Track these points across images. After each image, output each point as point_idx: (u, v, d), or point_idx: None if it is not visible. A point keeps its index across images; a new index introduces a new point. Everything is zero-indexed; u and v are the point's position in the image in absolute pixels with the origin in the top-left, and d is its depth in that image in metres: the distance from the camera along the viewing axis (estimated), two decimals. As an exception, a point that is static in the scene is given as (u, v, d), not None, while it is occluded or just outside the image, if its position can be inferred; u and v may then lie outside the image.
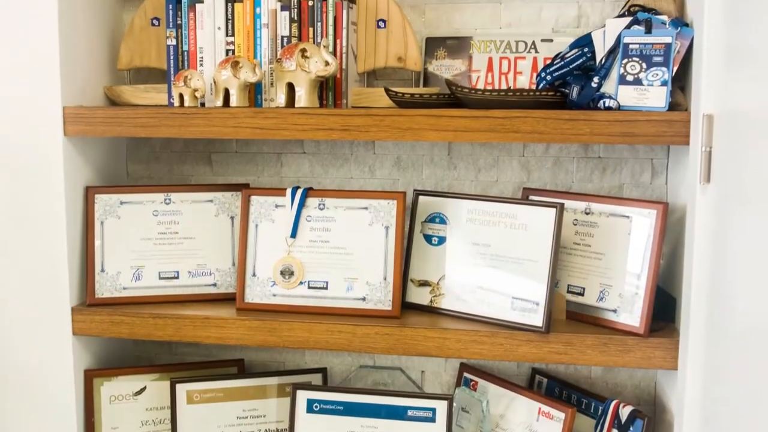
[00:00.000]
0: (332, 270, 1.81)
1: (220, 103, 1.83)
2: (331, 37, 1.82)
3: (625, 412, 1.71)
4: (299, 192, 1.83)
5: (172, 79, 1.89)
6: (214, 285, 1.92)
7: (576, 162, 1.95)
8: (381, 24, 1.88)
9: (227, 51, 1.88)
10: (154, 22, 1.98)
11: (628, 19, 1.67)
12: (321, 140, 2.03)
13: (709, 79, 1.48)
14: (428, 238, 1.83)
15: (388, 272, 1.79)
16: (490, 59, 1.90)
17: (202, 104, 1.88)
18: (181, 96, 1.85)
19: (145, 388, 1.97)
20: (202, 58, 1.89)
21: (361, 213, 1.81)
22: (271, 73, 1.86)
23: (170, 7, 1.89)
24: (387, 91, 1.73)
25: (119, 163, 2.11)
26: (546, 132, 1.62)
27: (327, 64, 1.74)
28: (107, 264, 1.90)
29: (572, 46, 1.76)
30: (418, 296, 1.83)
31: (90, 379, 1.93)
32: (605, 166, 1.94)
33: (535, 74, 1.87)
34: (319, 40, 1.82)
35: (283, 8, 1.84)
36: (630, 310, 1.67)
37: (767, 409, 1.15)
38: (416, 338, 1.72)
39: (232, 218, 1.94)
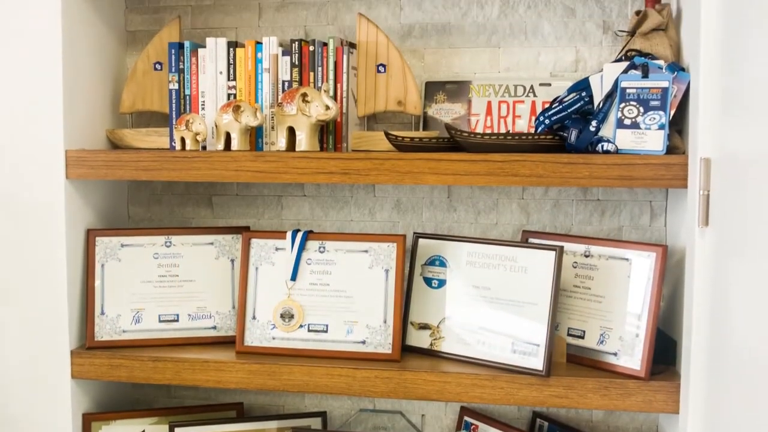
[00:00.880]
0: (332, 313, 1.81)
1: (221, 146, 1.85)
2: (331, 82, 1.84)
3: (627, 456, 1.69)
4: (299, 235, 1.84)
5: (174, 122, 1.91)
6: (214, 328, 1.92)
7: (575, 204, 1.96)
8: (381, 68, 1.90)
9: (229, 95, 1.90)
10: (157, 66, 2.00)
11: (625, 64, 1.69)
12: (321, 183, 2.04)
13: (706, 123, 1.49)
14: (428, 281, 1.83)
15: (388, 315, 1.78)
16: (489, 103, 1.92)
17: (204, 148, 1.90)
18: (182, 139, 1.86)
19: (143, 432, 1.97)
20: (203, 102, 1.91)
21: (361, 256, 1.81)
22: (272, 117, 1.87)
23: (173, 51, 1.92)
24: (387, 134, 1.74)
25: (120, 205, 2.11)
26: (545, 175, 1.63)
27: (327, 108, 1.76)
28: (107, 307, 1.90)
29: (570, 90, 1.77)
30: (419, 339, 1.82)
31: (88, 422, 1.92)
32: (604, 208, 1.95)
33: (533, 118, 1.88)
34: (319, 85, 1.84)
35: (284, 53, 1.86)
36: (630, 353, 1.67)
37: (769, 454, 1.14)
38: (416, 382, 1.71)
39: (232, 261, 1.94)
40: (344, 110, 1.86)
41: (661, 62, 1.67)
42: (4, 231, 1.86)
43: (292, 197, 2.07)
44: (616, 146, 1.65)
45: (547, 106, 1.80)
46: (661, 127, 1.63)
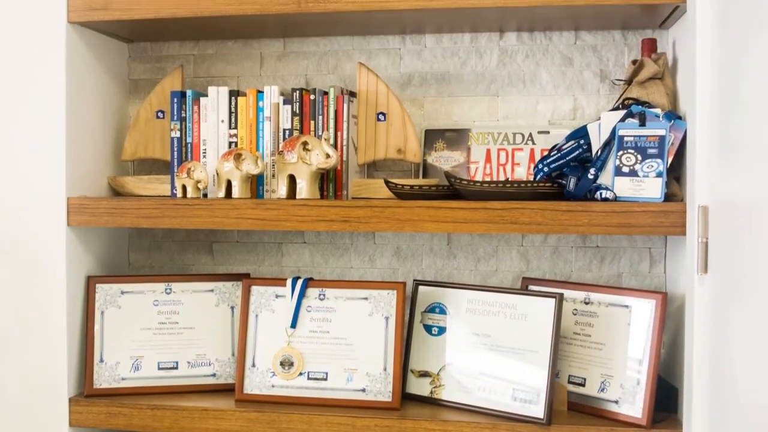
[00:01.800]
0: (332, 361, 1.81)
1: (222, 194, 1.86)
2: (332, 130, 1.86)
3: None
4: (299, 282, 1.84)
5: (176, 170, 1.92)
6: (214, 375, 1.91)
7: (575, 251, 1.96)
8: (381, 117, 1.92)
9: (230, 143, 1.91)
10: (159, 114, 2.02)
11: (622, 112, 1.71)
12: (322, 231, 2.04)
13: (703, 171, 1.50)
14: (428, 329, 1.83)
15: (388, 363, 1.78)
16: (488, 151, 1.94)
17: (205, 195, 1.91)
18: (184, 187, 1.88)
19: (141, 481, 1.94)
20: (205, 150, 1.92)
21: (361, 303, 1.82)
22: (273, 165, 1.89)
23: (175, 100, 1.94)
24: (387, 182, 1.76)
25: (121, 252, 2.12)
26: (544, 223, 1.64)
27: (328, 156, 1.77)
28: (106, 354, 1.89)
29: (568, 138, 1.79)
30: (419, 387, 1.81)
31: (86, 472, 1.90)
32: (604, 255, 1.95)
33: (532, 165, 1.90)
34: (320, 133, 1.86)
35: (285, 102, 1.88)
36: (632, 401, 1.66)
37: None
38: (417, 430, 1.70)
39: (232, 308, 1.94)
40: (344, 158, 1.87)
41: (658, 110, 1.69)
42: (4, 277, 1.86)
43: (293, 244, 2.08)
44: (614, 194, 1.66)
45: (545, 153, 1.82)
46: (659, 174, 1.64)
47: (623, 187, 1.66)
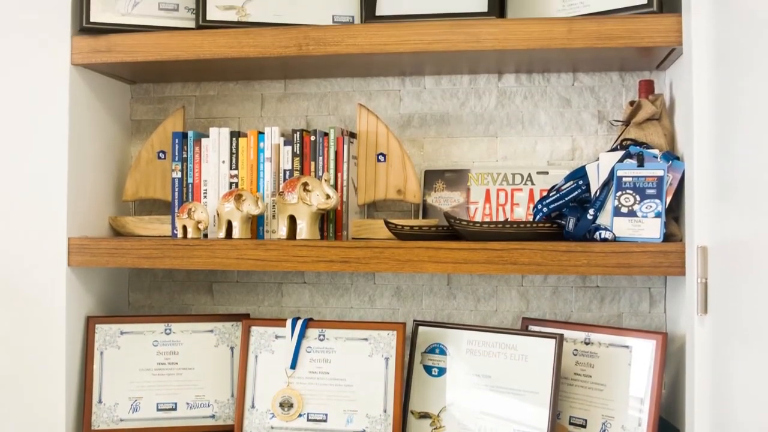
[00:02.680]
0: (332, 402, 1.80)
1: (222, 234, 1.86)
2: (332, 171, 1.87)
3: None
4: (299, 323, 1.84)
5: (177, 211, 1.93)
6: (213, 417, 1.90)
7: (574, 291, 1.96)
8: (381, 157, 1.93)
9: (231, 184, 1.92)
10: (161, 155, 2.03)
11: (620, 153, 1.72)
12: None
13: (702, 211, 1.51)
14: (428, 369, 1.82)
15: (388, 404, 1.77)
16: (488, 191, 1.95)
17: (205, 235, 1.92)
18: (184, 227, 1.88)
19: None
20: (206, 190, 1.93)
21: (361, 344, 1.81)
22: (274, 206, 1.90)
23: (177, 141, 1.95)
24: (387, 223, 1.76)
25: (121, 291, 2.12)
26: (544, 264, 1.64)
27: (328, 197, 1.78)
28: (105, 395, 1.88)
29: (567, 179, 1.80)
30: (419, 429, 1.80)
31: None
32: (604, 295, 1.95)
33: (531, 205, 1.91)
34: (320, 174, 1.87)
35: (286, 143, 1.90)
36: (633, 442, 1.65)
37: None
38: (417, 472, 1.69)
39: (231, 349, 1.93)
40: (345, 199, 1.88)
41: (656, 151, 1.70)
42: (4, 316, 1.86)
43: (293, 284, 2.08)
44: (613, 234, 1.66)
45: (544, 194, 1.83)
46: (658, 215, 1.64)
47: (622, 228, 1.67)
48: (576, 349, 1.76)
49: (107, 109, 2.04)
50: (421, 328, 1.86)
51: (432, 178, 1.98)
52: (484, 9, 1.78)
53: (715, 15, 1.49)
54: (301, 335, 1.83)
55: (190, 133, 1.95)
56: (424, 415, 1.80)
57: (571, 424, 1.74)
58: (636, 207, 1.66)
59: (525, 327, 1.85)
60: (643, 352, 1.68)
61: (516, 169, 1.94)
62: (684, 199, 1.65)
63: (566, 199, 1.77)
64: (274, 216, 1.90)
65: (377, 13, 1.84)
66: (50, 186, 1.85)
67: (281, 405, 1.81)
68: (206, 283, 2.12)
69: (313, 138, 1.89)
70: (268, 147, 1.90)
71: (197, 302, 2.13)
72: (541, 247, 1.64)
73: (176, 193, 1.95)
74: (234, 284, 2.11)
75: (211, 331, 1.94)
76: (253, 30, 1.80)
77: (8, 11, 1.86)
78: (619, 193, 1.68)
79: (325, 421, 1.79)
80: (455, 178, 1.97)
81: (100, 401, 1.88)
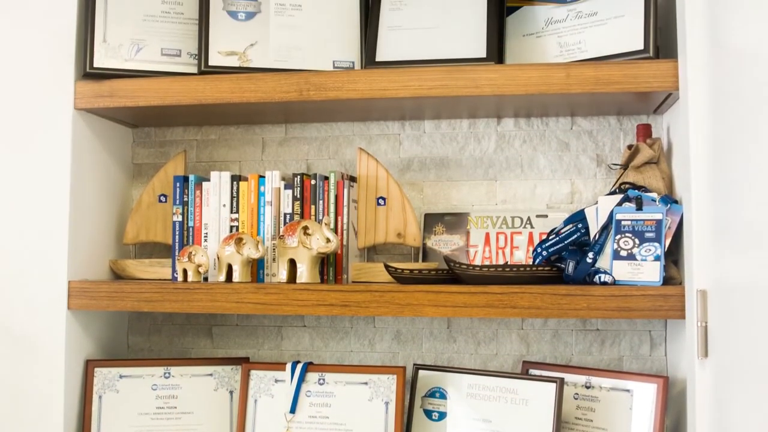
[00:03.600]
0: (332, 447, 1.79)
1: (222, 278, 1.87)
2: (332, 214, 1.88)
3: None
4: (299, 367, 1.83)
5: (177, 254, 1.93)
6: (211, 462, 1.89)
7: (575, 335, 1.96)
8: (381, 201, 1.94)
9: (231, 227, 1.93)
10: (162, 198, 2.04)
11: (619, 197, 1.73)
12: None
13: (701, 255, 1.52)
14: (428, 414, 1.81)
15: (389, 449, 1.76)
16: (487, 234, 1.95)
17: (206, 279, 1.92)
18: (185, 271, 1.88)
19: None
20: (206, 234, 1.94)
21: (360, 388, 1.80)
22: (274, 249, 1.90)
23: (178, 185, 1.96)
24: (386, 267, 1.76)
25: (120, 335, 2.11)
26: (544, 307, 1.64)
27: (328, 241, 1.78)
28: (103, 440, 1.87)
29: (567, 222, 1.81)
30: (419, 473, 1.79)
31: None
32: (604, 338, 1.95)
33: (531, 249, 1.91)
34: (321, 218, 1.88)
35: (286, 187, 1.91)
36: (636, 488, 1.64)
37: None
38: None
39: (231, 392, 1.92)
40: (345, 242, 1.89)
41: (654, 195, 1.71)
42: (2, 359, 1.85)
43: (292, 327, 2.08)
44: (613, 277, 1.67)
45: (544, 237, 1.83)
46: (657, 258, 1.65)
47: (622, 271, 1.67)
48: (577, 393, 1.76)
49: (109, 153, 2.05)
50: (421, 372, 1.85)
51: (432, 221, 1.99)
52: (483, 55, 1.80)
53: (711, 60, 1.51)
54: (301, 379, 1.82)
55: (191, 177, 1.96)
56: (425, 461, 1.79)
57: (572, 469, 1.72)
58: (635, 250, 1.67)
59: (525, 370, 1.85)
60: (645, 395, 1.67)
61: (515, 213, 1.95)
62: (683, 243, 1.66)
63: (566, 242, 1.77)
64: (274, 259, 1.90)
65: (377, 59, 1.86)
66: (51, 229, 1.86)
67: (280, 450, 1.80)
68: (206, 327, 2.12)
69: (313, 182, 1.90)
70: (268, 191, 1.91)
71: (197, 345, 2.12)
72: (541, 290, 1.65)
73: (177, 237, 1.96)
74: (234, 327, 2.11)
75: (211, 374, 1.93)
76: (254, 75, 1.82)
77: (14, 56, 1.88)
78: (618, 236, 1.69)
79: (324, 466, 1.78)
80: (455, 221, 1.98)
81: (98, 446, 1.87)
